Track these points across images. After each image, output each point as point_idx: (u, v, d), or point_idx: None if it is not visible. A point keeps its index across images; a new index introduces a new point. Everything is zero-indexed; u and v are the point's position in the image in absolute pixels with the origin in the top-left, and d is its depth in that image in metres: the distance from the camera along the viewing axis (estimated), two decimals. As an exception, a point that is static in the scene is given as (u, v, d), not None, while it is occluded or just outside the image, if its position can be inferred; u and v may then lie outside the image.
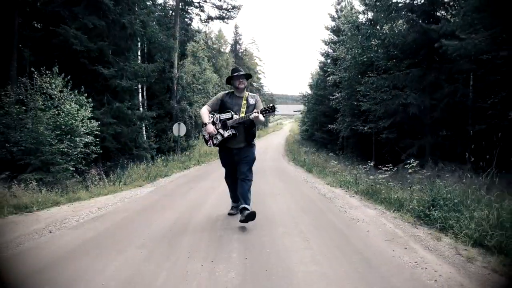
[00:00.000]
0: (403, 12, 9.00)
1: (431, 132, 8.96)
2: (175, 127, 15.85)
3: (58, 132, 8.96)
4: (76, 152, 9.26)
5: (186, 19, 24.71)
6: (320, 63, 22.76)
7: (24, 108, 8.70)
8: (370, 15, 10.95)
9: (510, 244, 3.00)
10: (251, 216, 3.94)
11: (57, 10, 12.16)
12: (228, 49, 52.72)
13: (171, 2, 25.58)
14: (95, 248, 3.51)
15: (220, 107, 4.31)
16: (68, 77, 10.19)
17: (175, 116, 20.00)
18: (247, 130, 4.20)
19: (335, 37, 19.62)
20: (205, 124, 4.19)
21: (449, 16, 8.76)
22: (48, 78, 9.38)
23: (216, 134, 4.19)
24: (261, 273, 2.74)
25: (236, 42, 55.97)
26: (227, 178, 4.63)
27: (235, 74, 4.28)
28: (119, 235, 4.00)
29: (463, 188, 4.36)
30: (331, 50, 19.53)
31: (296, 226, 4.24)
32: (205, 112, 4.30)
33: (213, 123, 4.23)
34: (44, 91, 9.22)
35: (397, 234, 3.88)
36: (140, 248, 3.47)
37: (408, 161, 6.57)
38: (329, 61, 19.93)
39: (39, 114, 8.58)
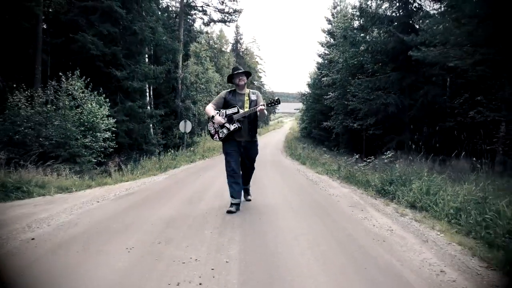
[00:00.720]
0: (385, 22, 10.23)
1: (409, 128, 10.20)
2: (181, 124, 17.10)
3: (82, 129, 10.26)
4: (97, 146, 10.56)
5: (188, 20, 25.88)
6: (317, 63, 23.96)
7: (54, 107, 9.96)
8: (361, 21, 12.14)
9: (430, 205, 4.27)
10: (248, 200, 5.11)
11: (75, 18, 13.48)
12: (229, 48, 53.83)
13: (174, 3, 26.95)
14: (138, 207, 4.82)
15: (224, 104, 4.55)
16: (88, 80, 11.46)
17: (180, 114, 21.26)
18: (251, 124, 4.51)
19: (331, 39, 20.83)
20: (213, 117, 4.43)
21: (425, 27, 9.99)
22: (74, 81, 10.62)
23: (222, 129, 4.45)
24: (257, 231, 3.95)
25: (237, 42, 57.16)
26: (230, 173, 4.53)
27: (235, 72, 4.56)
28: (150, 203, 5.28)
29: (412, 170, 5.63)
30: (327, 52, 20.74)
31: (286, 200, 5.49)
32: (210, 108, 4.55)
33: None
34: (70, 92, 10.49)
35: (359, 202, 5.15)
36: (170, 209, 4.75)
37: (385, 153, 7.85)
38: (326, 61, 21.11)
39: (67, 113, 9.87)
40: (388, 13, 10.50)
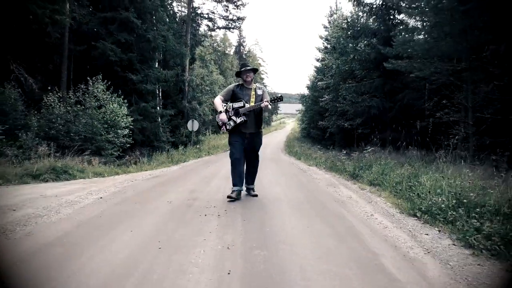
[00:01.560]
0: (369, 35, 11.75)
1: (390, 127, 11.69)
2: (189, 123, 18.66)
3: (106, 126, 11.82)
4: (118, 141, 12.13)
5: (194, 24, 27.43)
6: (315, 67, 25.48)
7: (83, 107, 11.54)
8: (349, 33, 13.66)
9: (382, 181, 5.78)
10: (255, 196, 5.02)
11: (96, 28, 15.08)
12: (232, 51, 55.45)
13: (181, 8, 28.52)
14: (165, 184, 6.35)
15: (232, 97, 4.79)
16: (109, 83, 13.03)
17: (186, 114, 22.85)
18: (257, 117, 4.79)
19: (328, 45, 22.34)
20: (220, 112, 4.69)
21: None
22: (97, 84, 12.19)
23: (229, 121, 4.71)
24: (256, 200, 5.44)
25: (240, 44, 58.83)
26: (234, 163, 4.83)
27: (243, 68, 4.82)
28: (173, 182, 6.82)
29: (375, 158, 7.16)
30: (323, 57, 22.26)
31: (278, 182, 6.99)
32: (219, 102, 4.78)
33: (226, 111, 4.76)
34: (95, 94, 12.06)
35: (334, 183, 6.68)
36: (190, 185, 6.28)
37: (366, 148, 9.38)
38: (322, 66, 22.60)
39: (93, 112, 11.44)
40: (373, 27, 12.01)
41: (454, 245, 3.14)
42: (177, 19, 25.53)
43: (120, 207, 4.42)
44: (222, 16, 24.93)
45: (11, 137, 9.82)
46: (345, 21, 15.40)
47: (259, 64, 67.50)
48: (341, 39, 14.96)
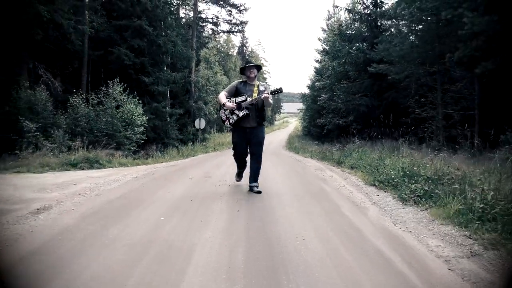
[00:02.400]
0: (359, 40, 13.10)
1: (379, 123, 13.00)
2: (196, 121, 20.10)
3: (124, 124, 13.26)
4: (134, 138, 13.57)
5: (198, 28, 28.83)
6: (314, 68, 26.83)
7: (104, 107, 12.99)
8: (340, 39, 15.01)
9: (359, 165, 7.15)
10: (259, 193, 4.77)
11: (112, 35, 16.53)
12: (235, 51, 56.79)
13: (187, 12, 29.94)
14: (183, 169, 7.76)
15: (235, 93, 4.89)
16: (125, 85, 14.47)
17: (193, 113, 24.28)
18: (259, 111, 4.83)
19: (326, 47, 23.68)
20: (224, 104, 4.77)
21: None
22: (115, 86, 13.64)
23: (232, 115, 4.82)
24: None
25: (243, 45, 60.13)
26: (235, 155, 5.15)
27: (247, 65, 4.99)
28: (189, 168, 8.22)
29: (355, 147, 8.54)
30: (321, 59, 23.62)
31: (277, 169, 8.36)
32: (222, 96, 4.88)
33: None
34: (114, 95, 13.51)
35: (322, 168, 8.06)
36: (203, 170, 7.69)
37: (354, 141, 10.75)
38: (320, 67, 23.95)
39: (113, 112, 12.89)
40: (363, 33, 13.37)
41: (393, 199, 4.54)
42: (182, 23, 26.99)
43: (155, 182, 5.85)
44: (225, 20, 26.37)
45: (44, 133, 11.30)
46: (340, 26, 16.75)
47: (262, 64, 68.61)
48: (337, 43, 16.31)
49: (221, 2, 25.55)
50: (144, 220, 3.52)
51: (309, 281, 2.24)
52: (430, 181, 4.55)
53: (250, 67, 4.94)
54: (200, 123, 19.86)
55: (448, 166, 4.84)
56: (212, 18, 26.43)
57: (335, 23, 18.37)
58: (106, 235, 3.09)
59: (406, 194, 4.43)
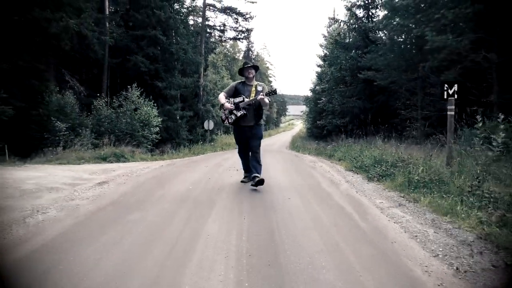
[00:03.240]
0: (353, 49, 14.51)
1: (371, 123, 14.37)
2: (206, 123, 21.59)
3: (141, 124, 14.77)
4: (151, 137, 15.07)
5: (206, 34, 30.34)
6: (316, 72, 28.21)
7: (124, 109, 14.52)
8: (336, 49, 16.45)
9: (346, 157, 8.53)
10: (261, 182, 4.84)
11: (129, 44, 18.10)
12: (241, 55, 58.33)
13: (196, 18, 31.48)
14: (197, 162, 9.19)
15: (234, 93, 5.07)
16: (141, 90, 15.99)
17: (201, 115, 25.80)
18: (256, 111, 5.03)
19: (327, 53, 25.07)
20: (223, 104, 4.99)
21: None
22: (134, 91, 15.18)
23: (231, 114, 5.01)
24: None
25: (248, 49, 61.68)
26: (240, 153, 5.44)
27: (245, 66, 5.15)
28: (202, 161, 9.65)
29: (344, 143, 9.93)
30: (322, 64, 25.02)
31: (278, 161, 9.78)
32: (222, 97, 5.11)
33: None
34: (132, 99, 15.04)
35: (315, 160, 9.45)
36: (213, 162, 9.12)
37: (347, 140, 12.14)
38: (321, 71, 25.32)
39: (133, 114, 14.41)
40: (356, 42, 14.79)
41: (362, 179, 5.93)
42: (191, 30, 28.55)
43: (177, 168, 7.31)
44: (232, 27, 27.82)
45: (73, 132, 12.84)
46: (338, 34, 18.16)
47: (267, 67, 69.97)
48: (335, 50, 17.72)
49: (228, 11, 27.06)
50: (177, 189, 4.96)
51: (289, 217, 3.65)
52: (391, 164, 5.94)
53: (248, 68, 5.12)
54: (209, 124, 21.33)
55: (404, 154, 6.23)
56: (219, 26, 27.94)
57: (334, 31, 19.73)
58: (152, 196, 4.54)
59: (372, 175, 5.83)
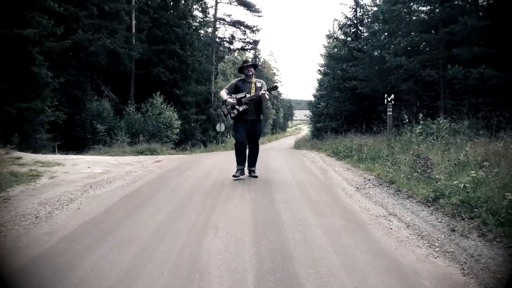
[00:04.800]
0: (344, 61, 17.07)
1: (360, 124, 16.82)
2: (218, 125, 24.23)
3: (165, 126, 17.45)
4: (172, 137, 17.74)
5: (216, 44, 33.12)
6: (317, 79, 30.71)
7: (151, 114, 17.23)
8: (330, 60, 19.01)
9: (333, 150, 11.02)
10: (255, 177, 5.62)
11: (151, 57, 20.88)
12: (249, 60, 61.00)
13: (205, 29, 34.30)
14: (213, 155, 11.78)
15: (235, 90, 5.33)
16: (163, 97, 18.70)
17: (213, 119, 28.48)
18: (256, 106, 5.33)
19: (324, 62, 27.55)
20: (225, 100, 5.24)
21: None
22: (158, 98, 17.90)
23: (233, 110, 5.27)
24: (263, 156, 10.78)
25: (255, 57, 64.53)
26: (239, 141, 5.51)
27: (245, 64, 5.43)
28: (215, 155, 12.23)
29: (334, 138, 12.41)
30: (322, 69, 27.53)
31: (279, 153, 12.27)
32: (224, 93, 5.35)
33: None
34: (157, 105, 17.75)
35: (307, 152, 11.95)
36: (228, 154, 11.69)
37: (337, 136, 14.65)
38: (321, 79, 27.78)
39: (157, 117, 17.12)
40: (346, 55, 17.38)
41: (335, 160, 8.45)
42: (202, 38, 31.32)
43: (200, 157, 9.91)
44: (240, 39, 30.56)
45: (111, 132, 15.56)
46: (335, 47, 20.73)
47: (274, 73, 72.33)
48: (331, 61, 20.29)
49: (237, 24, 29.81)
50: (202, 169, 7.50)
51: (279, 175, 6.19)
52: (355, 149, 8.46)
53: (247, 66, 5.41)
54: (221, 127, 23.96)
55: (363, 142, 8.75)
56: (228, 38, 30.68)
57: (331, 44, 22.27)
58: (185, 173, 7.05)
59: (340, 156, 8.36)
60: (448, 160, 4.57)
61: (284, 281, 2.20)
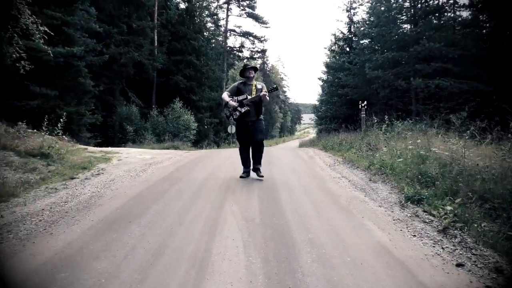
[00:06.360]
0: (340, 69, 19.52)
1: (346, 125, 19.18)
2: (229, 127, 26.68)
3: (184, 128, 20.03)
4: (190, 138, 20.30)
5: (226, 53, 35.80)
6: (319, 85, 33.09)
7: (172, 117, 19.84)
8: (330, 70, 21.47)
9: (328, 145, 13.40)
10: (261, 177, 5.73)
11: (170, 67, 23.53)
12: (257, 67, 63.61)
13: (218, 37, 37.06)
14: (226, 151, 14.28)
15: (236, 92, 5.56)
16: (182, 102, 21.30)
17: (224, 122, 31.01)
18: (257, 107, 5.53)
19: (325, 69, 29.91)
20: (227, 102, 5.45)
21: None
22: (178, 103, 20.51)
23: (235, 111, 5.48)
24: (268, 150, 13.20)
25: (264, 63, 67.14)
26: (242, 147, 5.86)
27: (246, 67, 5.66)
28: (226, 151, 14.71)
29: (328, 136, 14.79)
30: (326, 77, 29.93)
31: (282, 150, 14.70)
32: (226, 96, 5.56)
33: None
34: (176, 110, 20.35)
35: (309, 151, 14.31)
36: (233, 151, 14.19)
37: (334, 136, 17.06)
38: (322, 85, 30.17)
39: (177, 120, 19.71)
40: (341, 65, 19.84)
41: (324, 152, 10.87)
42: (211, 44, 34.01)
43: (217, 151, 12.42)
44: (249, 48, 33.14)
45: (138, 134, 18.17)
46: (333, 57, 23.14)
47: (282, 78, 74.50)
48: (330, 70, 22.70)
49: (246, 35, 32.41)
50: (222, 155, 10.00)
51: (279, 161, 8.64)
52: (341, 144, 10.85)
53: (248, 69, 5.59)
54: (232, 129, 26.47)
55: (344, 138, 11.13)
56: (238, 47, 33.27)
57: (330, 54, 24.67)
58: (210, 158, 9.57)
59: (327, 149, 10.77)
60: (385, 146, 6.98)
61: (275, 203, 4.65)
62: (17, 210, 3.98)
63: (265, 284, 2.29)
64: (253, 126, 5.54)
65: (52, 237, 3.14)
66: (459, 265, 2.65)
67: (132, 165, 7.29)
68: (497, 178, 3.59)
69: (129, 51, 19.04)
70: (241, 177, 5.69)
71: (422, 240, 3.14)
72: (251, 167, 5.85)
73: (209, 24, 29.33)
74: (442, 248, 2.96)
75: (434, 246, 3.00)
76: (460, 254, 2.85)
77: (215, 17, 28.95)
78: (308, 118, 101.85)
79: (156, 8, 22.61)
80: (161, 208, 4.02)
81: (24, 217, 3.71)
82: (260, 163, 5.80)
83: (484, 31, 12.09)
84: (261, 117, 5.66)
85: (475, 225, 3.20)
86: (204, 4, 27.52)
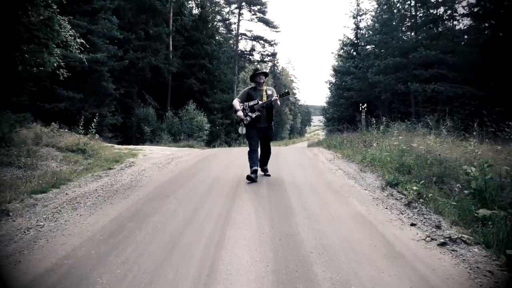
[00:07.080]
0: (348, 74, 20.48)
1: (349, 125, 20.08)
2: (239, 128, 27.59)
3: (197, 128, 21.16)
4: (204, 137, 21.43)
5: (238, 56, 36.96)
6: (328, 88, 34.01)
7: (186, 118, 21.00)
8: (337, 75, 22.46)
9: (332, 144, 14.36)
10: (268, 175, 6.10)
11: (184, 70, 24.73)
12: (267, 70, 64.83)
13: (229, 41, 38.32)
14: (240, 147, 15.32)
15: (247, 98, 5.66)
16: (196, 104, 22.45)
17: (235, 123, 32.12)
18: (268, 113, 5.64)
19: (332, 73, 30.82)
20: (237, 110, 5.61)
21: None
22: (191, 105, 21.67)
23: (246, 117, 5.59)
24: (275, 147, 14.20)
25: (274, 65, 68.22)
26: (252, 148, 5.83)
27: (256, 72, 5.73)
28: (237, 149, 15.76)
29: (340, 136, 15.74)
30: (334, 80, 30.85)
31: (290, 149, 15.68)
32: (236, 103, 5.69)
33: (243, 109, 5.65)
34: (190, 111, 21.51)
35: (314, 149, 15.30)
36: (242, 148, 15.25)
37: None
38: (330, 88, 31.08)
39: (191, 121, 20.86)
40: (348, 69, 20.78)
41: (327, 150, 11.86)
42: (222, 47, 35.20)
43: (230, 149, 13.46)
44: (259, 51, 34.23)
45: (154, 134, 19.36)
46: (339, 61, 24.07)
47: (292, 81, 75.47)
48: (337, 73, 23.65)
49: (257, 39, 33.51)
50: (234, 152, 11.03)
51: (285, 158, 9.66)
52: (342, 143, 11.80)
53: (258, 74, 5.64)
54: (242, 130, 27.52)
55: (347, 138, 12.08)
56: (249, 50, 34.37)
57: (337, 58, 25.63)
58: (224, 154, 10.64)
59: (330, 147, 11.74)
60: (377, 143, 7.94)
61: (278, 185, 5.68)
62: (76, 190, 5.09)
63: (268, 229, 3.33)
64: (264, 133, 5.78)
65: (112, 205, 4.22)
66: (412, 224, 3.64)
67: (157, 159, 8.38)
68: (455, 164, 4.56)
69: (146, 56, 20.27)
70: (248, 178, 5.48)
71: (391, 211, 4.12)
72: (259, 169, 5.88)
73: (221, 29, 30.51)
74: (403, 215, 3.95)
75: (398, 215, 3.99)
76: (416, 218, 3.83)
77: (227, 22, 30.06)
78: (317, 120, 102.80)
79: (171, 14, 23.87)
80: (190, 187, 5.11)
81: (85, 194, 4.81)
82: (267, 165, 6.21)
83: (480, 38, 12.92)
84: (272, 123, 5.85)
85: (432, 200, 4.18)
86: (217, 9, 28.76)
